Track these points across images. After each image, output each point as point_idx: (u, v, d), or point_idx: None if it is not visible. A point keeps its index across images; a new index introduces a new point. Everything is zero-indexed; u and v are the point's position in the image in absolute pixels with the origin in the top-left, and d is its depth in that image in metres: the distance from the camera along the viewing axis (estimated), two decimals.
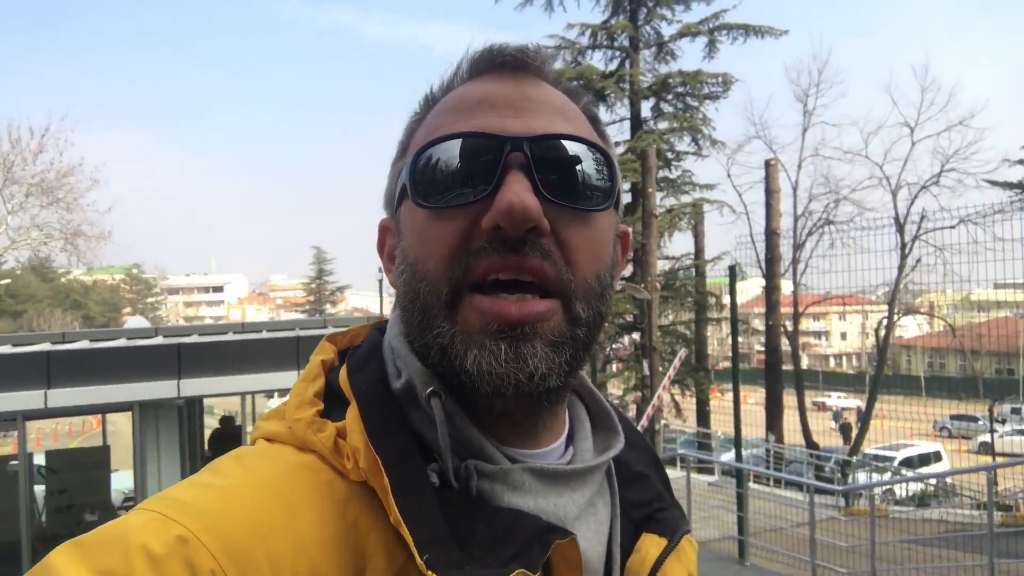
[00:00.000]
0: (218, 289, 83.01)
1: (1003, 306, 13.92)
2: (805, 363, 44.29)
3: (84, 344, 7.88)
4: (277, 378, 7.94)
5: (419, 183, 0.60)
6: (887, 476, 14.40)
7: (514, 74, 0.63)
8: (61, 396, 6.48)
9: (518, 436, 0.63)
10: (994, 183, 12.97)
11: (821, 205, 19.81)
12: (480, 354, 0.56)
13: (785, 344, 19.07)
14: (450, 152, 0.59)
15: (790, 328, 19.61)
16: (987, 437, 20.10)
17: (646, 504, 0.71)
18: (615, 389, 20.63)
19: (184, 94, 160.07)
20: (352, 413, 0.59)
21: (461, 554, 0.52)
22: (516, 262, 0.56)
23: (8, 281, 33.85)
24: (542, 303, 0.57)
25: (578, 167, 0.60)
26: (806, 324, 41.67)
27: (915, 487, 12.71)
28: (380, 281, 32.25)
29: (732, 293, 8.02)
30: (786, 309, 19.53)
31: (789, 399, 18.90)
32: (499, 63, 0.63)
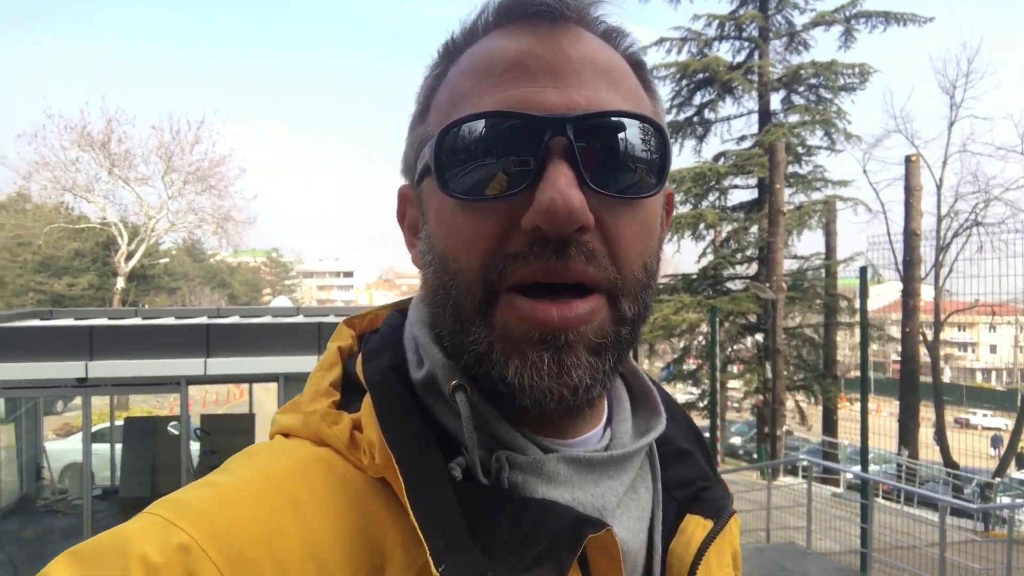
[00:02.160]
0: (348, 275, 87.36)
1: None
2: (948, 376, 41.11)
3: (236, 319, 8.66)
4: None
5: (445, 169, 0.54)
6: None
7: (551, 25, 0.55)
8: (218, 365, 7.18)
9: (552, 427, 0.59)
10: None
11: (968, 205, 18.36)
12: (522, 365, 0.52)
13: (925, 354, 17.89)
14: (480, 134, 0.53)
15: (930, 337, 18.36)
16: None
17: (690, 483, 0.67)
18: (736, 393, 20.11)
19: (318, 89, 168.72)
20: (367, 404, 0.56)
21: (482, 558, 0.49)
22: (559, 269, 0.52)
23: (167, 260, 37.23)
24: (585, 304, 0.53)
25: (627, 148, 0.54)
26: (950, 334, 38.67)
27: None
28: None
29: (863, 296, 7.68)
30: (927, 316, 18.30)
31: (928, 413, 17.73)
32: (532, 11, 0.55)
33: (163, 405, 20.18)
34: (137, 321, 8.30)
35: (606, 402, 0.65)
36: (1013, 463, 18.77)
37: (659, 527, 0.63)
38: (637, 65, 0.60)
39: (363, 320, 0.69)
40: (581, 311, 0.52)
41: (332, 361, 0.63)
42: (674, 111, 18.43)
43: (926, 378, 18.15)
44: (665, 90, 19.01)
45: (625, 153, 0.54)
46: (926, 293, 18.45)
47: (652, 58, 17.63)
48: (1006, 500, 14.28)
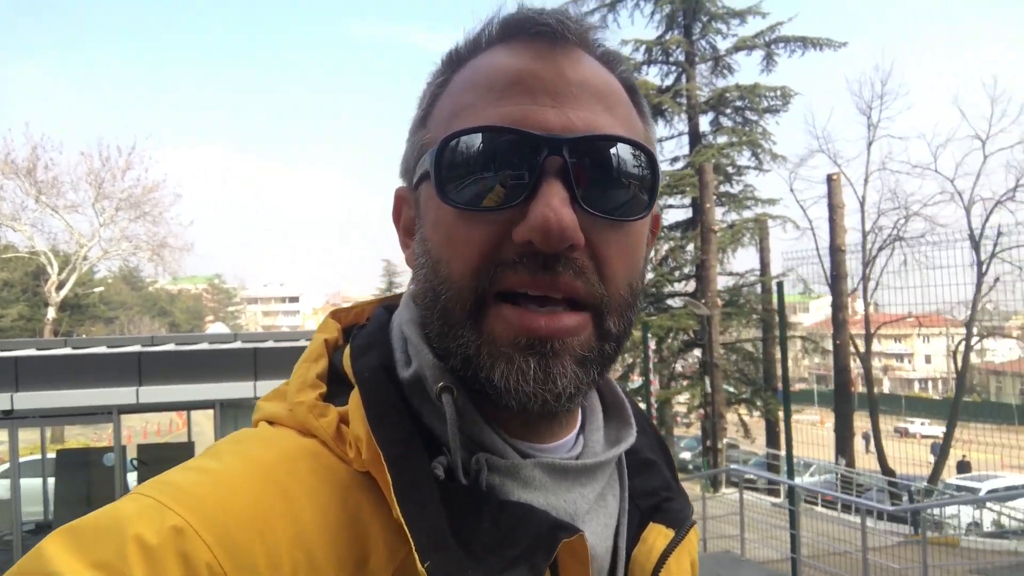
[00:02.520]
0: (294, 299, 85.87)
1: None
2: (887, 387, 42.52)
3: (171, 347, 8.52)
4: None
5: (444, 177, 0.56)
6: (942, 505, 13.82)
7: (552, 46, 0.57)
8: (151, 393, 7.07)
9: (530, 432, 0.61)
10: None
11: (890, 220, 19.29)
12: (508, 369, 0.54)
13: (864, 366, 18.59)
14: (479, 146, 0.55)
15: (863, 348, 19.09)
16: None
17: (654, 493, 0.70)
18: (680, 407, 20.47)
19: (261, 109, 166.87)
20: (355, 399, 0.57)
21: (464, 555, 0.50)
22: (548, 281, 0.53)
23: (102, 289, 36.09)
24: (572, 317, 0.55)
25: (619, 172, 0.56)
26: (887, 346, 40.09)
27: (996, 518, 12.20)
28: None
29: (781, 311, 8.01)
30: (863, 329, 19.07)
31: (868, 423, 18.40)
32: (535, 31, 0.57)
33: (101, 437, 19.49)
34: (66, 351, 8.09)
35: (579, 412, 0.67)
36: (954, 468, 19.56)
37: (624, 534, 0.65)
38: (631, 89, 0.63)
39: (349, 314, 0.70)
40: (568, 323, 0.54)
41: (319, 353, 0.64)
42: None
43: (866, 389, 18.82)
44: None
45: (617, 177, 0.56)
46: (863, 306, 19.22)
47: None
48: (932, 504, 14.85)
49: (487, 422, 0.58)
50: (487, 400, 0.57)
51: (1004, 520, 11.01)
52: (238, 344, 8.72)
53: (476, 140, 0.55)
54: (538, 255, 0.53)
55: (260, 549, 0.48)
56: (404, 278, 48.67)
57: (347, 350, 0.62)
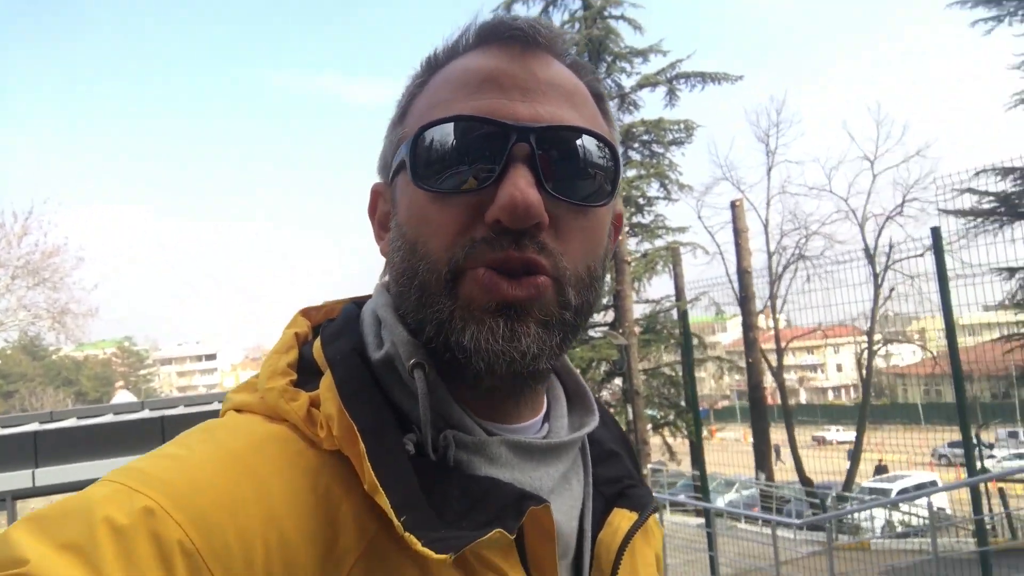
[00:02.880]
0: (211, 357, 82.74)
1: (992, 328, 14.22)
2: (804, 397, 44.19)
3: (72, 422, 8.09)
4: None
5: (420, 164, 0.59)
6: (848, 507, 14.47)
7: (523, 50, 0.62)
8: (49, 474, 6.68)
9: (497, 412, 0.63)
10: (947, 212, 13.49)
11: (793, 240, 20.41)
12: (478, 330, 0.57)
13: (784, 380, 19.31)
14: (453, 135, 0.58)
15: (775, 364, 19.88)
16: (984, 463, 20.18)
17: (617, 481, 0.72)
18: None
19: (174, 162, 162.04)
20: (326, 381, 0.59)
21: (437, 519, 0.52)
22: (515, 257, 0.57)
23: None
24: (535, 280, 0.58)
25: (582, 161, 0.60)
26: (801, 358, 41.73)
27: (903, 517, 12.80)
28: None
29: (686, 336, 8.38)
30: (774, 344, 19.89)
31: (786, 435, 19.10)
32: (508, 36, 0.62)
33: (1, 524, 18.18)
34: None
35: (545, 398, 0.70)
36: (870, 472, 20.41)
37: (589, 517, 0.68)
38: (598, 96, 0.68)
39: (319, 312, 0.72)
40: (531, 286, 0.58)
41: (288, 345, 0.66)
42: None
43: (788, 401, 19.48)
44: None
45: (581, 165, 0.60)
46: (781, 320, 20.10)
47: None
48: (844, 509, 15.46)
49: (456, 401, 0.61)
50: (456, 380, 0.60)
51: (913, 520, 11.58)
52: (145, 413, 8.36)
53: (449, 129, 0.59)
54: (507, 233, 0.57)
55: (232, 529, 0.49)
56: None
57: (318, 340, 0.65)
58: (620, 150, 0.65)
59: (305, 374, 0.62)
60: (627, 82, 18.88)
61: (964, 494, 14.59)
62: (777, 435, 19.29)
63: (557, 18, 18.34)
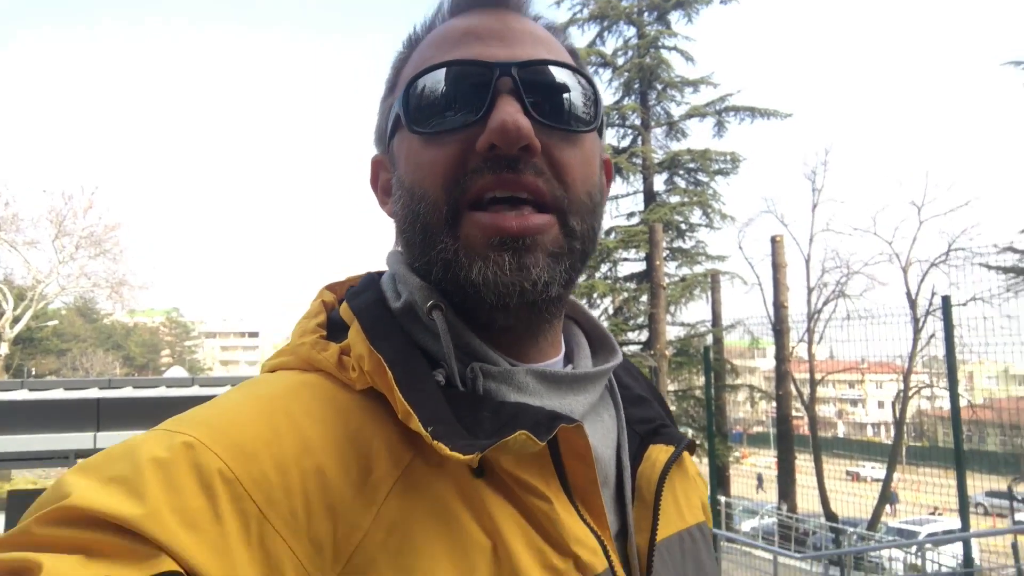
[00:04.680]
0: (254, 335, 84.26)
1: None
2: (842, 431, 43.28)
3: (128, 391, 8.68)
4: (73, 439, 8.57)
5: (412, 111, 0.61)
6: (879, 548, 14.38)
7: (496, 9, 0.65)
8: (108, 439, 7.24)
9: (518, 349, 0.64)
10: (990, 267, 13.39)
11: (833, 278, 20.29)
12: (485, 265, 0.57)
13: (823, 412, 19.10)
14: (441, 80, 0.60)
15: (820, 394, 19.77)
16: (1021, 515, 19.74)
17: (650, 420, 0.73)
18: None
19: (222, 147, 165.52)
20: (354, 328, 0.61)
21: (467, 434, 0.53)
22: (512, 179, 0.58)
23: (55, 323, 35.45)
24: (540, 216, 0.59)
25: (564, 91, 0.62)
26: (841, 391, 40.93)
27: (930, 564, 12.71)
28: None
29: (706, 361, 8.60)
30: (807, 375, 19.84)
31: (824, 468, 18.99)
32: (480, 3, 0.65)
33: (51, 476, 19.18)
34: (23, 395, 8.24)
35: (562, 338, 0.71)
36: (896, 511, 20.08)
37: (626, 448, 0.68)
38: (572, 51, 0.70)
39: (342, 285, 0.74)
40: (537, 221, 0.58)
41: (317, 310, 0.68)
42: None
43: (824, 433, 19.29)
44: None
45: (562, 94, 0.62)
46: (820, 353, 20.00)
47: None
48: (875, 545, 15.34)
49: (478, 337, 0.62)
50: (472, 321, 0.61)
51: (930, 566, 11.55)
52: (195, 389, 8.91)
53: (436, 75, 0.61)
54: (501, 158, 0.58)
55: (268, 459, 0.50)
56: None
57: (343, 304, 0.67)
58: (598, 88, 0.67)
59: (334, 331, 0.65)
60: (676, 111, 19.11)
61: (997, 543, 14.40)
62: (805, 466, 19.17)
63: (611, 44, 18.58)
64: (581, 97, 0.63)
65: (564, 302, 0.68)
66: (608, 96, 19.03)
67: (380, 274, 0.72)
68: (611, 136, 18.67)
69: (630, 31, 18.47)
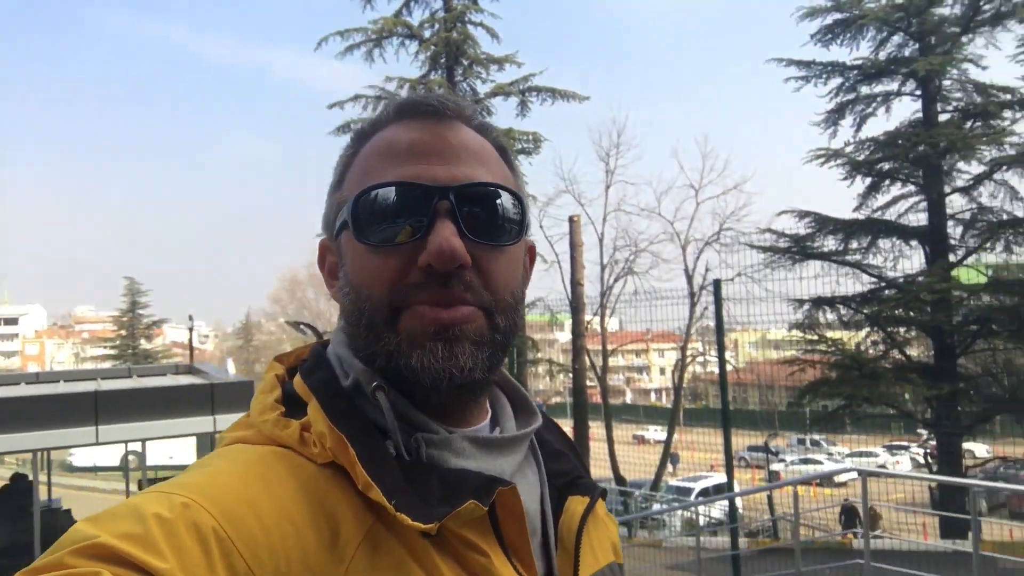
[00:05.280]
0: (11, 321, 74.21)
1: (794, 345, 15.98)
2: (629, 397, 46.85)
3: None
4: (73, 434, 7.77)
5: (360, 223, 0.69)
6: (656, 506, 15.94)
7: (436, 121, 0.72)
8: None
9: (452, 417, 0.72)
10: (752, 246, 15.19)
11: (624, 256, 21.96)
12: (422, 353, 0.66)
13: (616, 380, 20.27)
14: (386, 198, 0.68)
15: (611, 364, 21.10)
16: (775, 466, 22.57)
17: (567, 473, 0.81)
18: None
19: None
20: (313, 406, 0.68)
21: (422, 503, 0.60)
22: (445, 295, 0.67)
23: None
24: (466, 309, 0.68)
25: (494, 209, 0.70)
26: (630, 360, 44.29)
27: (687, 515, 14.20)
28: (190, 316, 30.99)
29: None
30: (608, 345, 21.28)
31: (614, 433, 20.46)
32: (422, 111, 0.73)
33: None
34: None
35: (488, 406, 0.79)
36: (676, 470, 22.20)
37: (548, 502, 0.77)
38: (502, 150, 0.78)
39: (290, 356, 0.81)
40: (464, 313, 0.67)
41: (272, 385, 0.74)
42: None
43: (614, 401, 20.59)
44: None
45: (493, 212, 0.70)
46: (611, 325, 21.40)
47: (349, 112, 18.05)
48: (656, 507, 16.92)
49: (418, 410, 0.70)
50: (412, 397, 0.70)
51: (701, 520, 12.98)
52: None
53: (382, 193, 0.69)
54: (437, 275, 0.67)
55: (254, 521, 0.57)
56: (150, 298, 44.48)
57: (297, 377, 0.73)
58: (526, 195, 0.76)
59: (291, 406, 0.70)
60: (482, 88, 19.19)
61: (758, 496, 16.45)
62: (599, 433, 20.59)
63: (418, 15, 18.26)
64: (510, 212, 0.72)
65: (488, 383, 0.75)
66: (414, 70, 18.77)
67: (325, 345, 0.79)
68: None
69: (437, 3, 18.37)
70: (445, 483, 0.64)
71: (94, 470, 25.95)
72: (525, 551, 0.68)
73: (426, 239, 0.67)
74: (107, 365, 36.06)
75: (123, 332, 43.77)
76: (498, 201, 0.71)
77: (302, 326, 19.26)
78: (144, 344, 43.93)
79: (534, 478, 0.78)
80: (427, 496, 0.62)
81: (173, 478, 0.61)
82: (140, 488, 9.61)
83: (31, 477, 10.66)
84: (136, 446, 10.23)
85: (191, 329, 30.80)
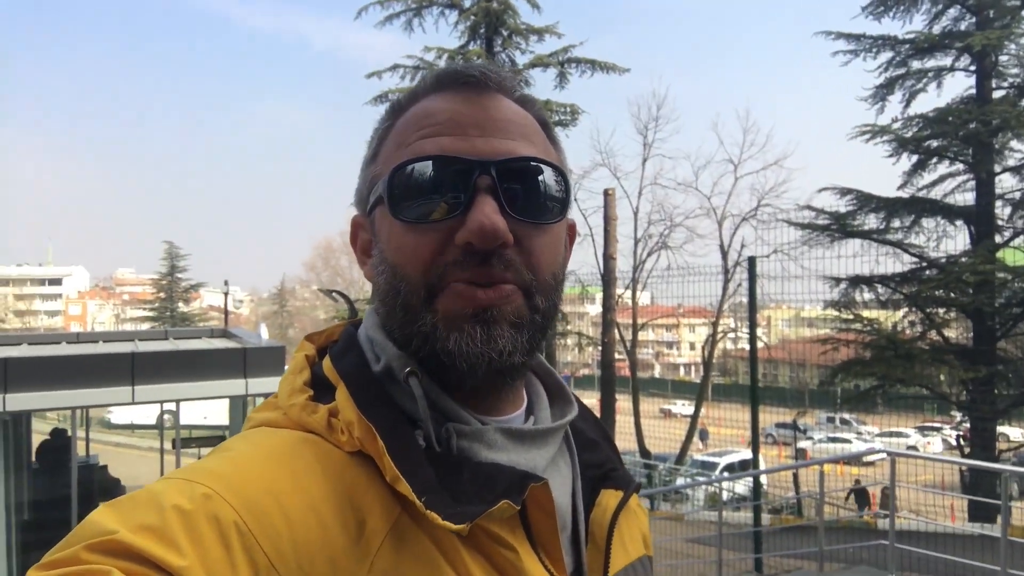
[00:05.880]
0: (55, 282, 76.16)
1: (828, 323, 15.76)
2: (658, 371, 46.69)
3: None
4: (110, 393, 7.99)
5: (396, 199, 0.67)
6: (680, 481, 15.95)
7: (478, 92, 0.69)
8: None
9: (486, 406, 0.70)
10: (790, 223, 14.91)
11: (658, 230, 21.72)
12: (460, 336, 0.64)
13: (639, 354, 20.23)
14: (424, 172, 0.66)
15: (641, 338, 21.01)
16: (803, 444, 22.41)
17: (600, 465, 0.78)
18: None
19: (23, 71, 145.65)
20: (342, 393, 0.66)
21: (452, 499, 0.59)
22: (485, 274, 0.64)
23: None
24: (507, 287, 0.65)
25: (537, 185, 0.68)
26: (660, 335, 44.09)
27: (711, 490, 14.21)
28: (226, 281, 31.50)
29: None
30: (629, 320, 21.19)
31: (642, 407, 20.47)
32: (463, 81, 0.70)
33: None
34: None
35: (525, 394, 0.77)
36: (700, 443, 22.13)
37: (580, 495, 0.75)
38: (544, 124, 0.75)
39: (321, 336, 0.79)
40: (503, 293, 0.65)
41: (301, 366, 0.73)
42: None
43: (643, 374, 20.50)
44: None
45: (535, 188, 0.68)
46: (643, 299, 21.28)
47: (387, 83, 18.02)
48: (681, 481, 16.94)
49: (450, 399, 0.68)
50: (446, 381, 0.67)
51: (724, 495, 12.96)
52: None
53: (419, 167, 0.66)
54: (476, 254, 0.64)
55: (277, 512, 0.55)
56: (188, 262, 45.30)
57: (327, 359, 0.72)
58: (569, 171, 0.74)
59: (319, 389, 0.69)
60: (520, 59, 18.93)
61: (783, 473, 16.37)
62: (628, 405, 20.62)
63: None
64: (553, 188, 0.69)
65: (527, 367, 0.73)
66: (453, 40, 18.62)
67: (356, 326, 0.77)
68: None
69: None
70: (476, 478, 0.62)
71: (131, 428, 26.71)
72: (554, 546, 0.66)
73: (465, 216, 0.64)
74: (146, 327, 37.03)
75: (162, 295, 44.65)
76: (541, 177, 0.68)
77: (334, 293, 19.44)
78: (182, 307, 44.85)
79: (567, 470, 0.76)
80: (457, 492, 0.61)
81: (198, 462, 0.60)
82: (174, 446, 9.86)
83: (70, 433, 11.04)
84: (171, 406, 10.49)
85: (226, 294, 31.39)
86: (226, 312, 30.83)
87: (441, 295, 0.65)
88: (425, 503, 0.57)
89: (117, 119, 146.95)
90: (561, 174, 0.70)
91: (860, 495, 12.98)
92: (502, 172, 0.66)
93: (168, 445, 12.41)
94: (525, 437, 0.70)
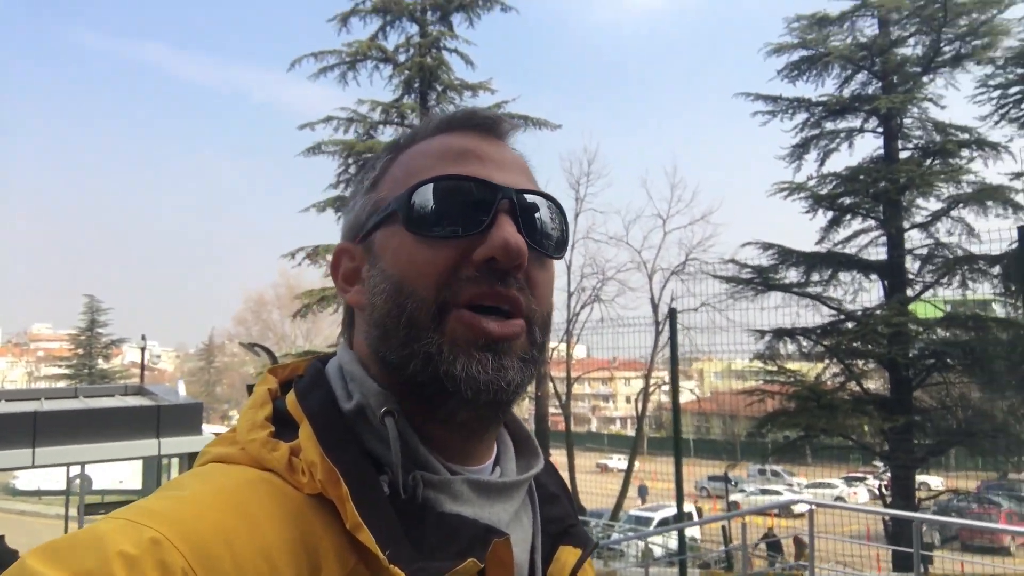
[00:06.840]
0: None
1: (755, 375, 15.98)
2: (594, 425, 46.84)
3: None
4: (7, 456, 7.46)
5: (415, 213, 0.67)
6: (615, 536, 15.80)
7: (487, 134, 0.73)
8: None
9: (457, 454, 0.70)
10: (716, 276, 15.28)
11: (591, 283, 21.95)
12: (468, 362, 0.63)
13: (581, 408, 20.22)
14: (448, 190, 0.68)
15: (576, 391, 21.01)
16: (735, 496, 22.56)
17: (560, 520, 0.78)
18: None
19: None
20: (305, 431, 0.64)
21: (415, 552, 0.57)
22: (503, 292, 0.65)
23: None
24: (516, 323, 0.66)
25: (548, 220, 0.71)
26: (596, 388, 44.35)
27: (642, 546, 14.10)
28: (143, 336, 30.02)
29: None
30: (563, 374, 21.18)
31: (577, 462, 20.32)
32: (475, 123, 0.74)
33: None
34: None
35: (495, 442, 0.77)
36: (638, 499, 22.01)
37: (539, 551, 0.73)
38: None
39: (285, 369, 0.78)
40: (515, 328, 0.66)
41: (263, 400, 0.71)
42: (341, 186, 19.05)
43: (578, 429, 20.52)
44: (332, 165, 19.61)
45: (546, 222, 0.71)
46: (578, 352, 21.33)
47: (319, 134, 17.92)
48: (616, 537, 16.75)
49: (423, 444, 0.67)
50: (430, 416, 0.67)
51: (657, 551, 12.83)
52: None
53: (443, 185, 0.68)
54: (496, 271, 0.65)
55: (228, 558, 0.53)
56: (110, 316, 43.36)
57: (291, 394, 0.70)
58: (566, 216, 0.77)
59: (281, 426, 0.66)
60: None
61: (714, 525, 16.44)
62: (564, 459, 20.43)
63: (393, 40, 18.33)
64: (559, 227, 0.73)
65: (512, 406, 0.72)
66: (387, 94, 18.71)
67: (324, 361, 0.76)
68: (389, 134, 18.44)
69: (413, 28, 18.37)
70: (439, 530, 0.61)
71: (38, 494, 24.97)
72: None
73: (487, 234, 0.66)
74: (61, 384, 35.06)
75: (80, 351, 42.52)
76: (551, 214, 0.72)
77: (256, 348, 18.85)
78: (102, 364, 42.75)
79: (528, 525, 0.74)
80: (420, 542, 0.59)
81: (145, 500, 0.57)
82: (79, 514, 9.22)
83: None
84: (77, 469, 9.82)
85: (143, 348, 30.05)
86: (143, 368, 29.45)
87: (451, 316, 0.65)
88: (389, 557, 0.55)
89: (38, 167, 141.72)
90: (564, 216, 0.74)
91: (772, 546, 13.10)
92: (520, 200, 0.69)
93: (74, 511, 11.62)
94: (491, 490, 0.69)
